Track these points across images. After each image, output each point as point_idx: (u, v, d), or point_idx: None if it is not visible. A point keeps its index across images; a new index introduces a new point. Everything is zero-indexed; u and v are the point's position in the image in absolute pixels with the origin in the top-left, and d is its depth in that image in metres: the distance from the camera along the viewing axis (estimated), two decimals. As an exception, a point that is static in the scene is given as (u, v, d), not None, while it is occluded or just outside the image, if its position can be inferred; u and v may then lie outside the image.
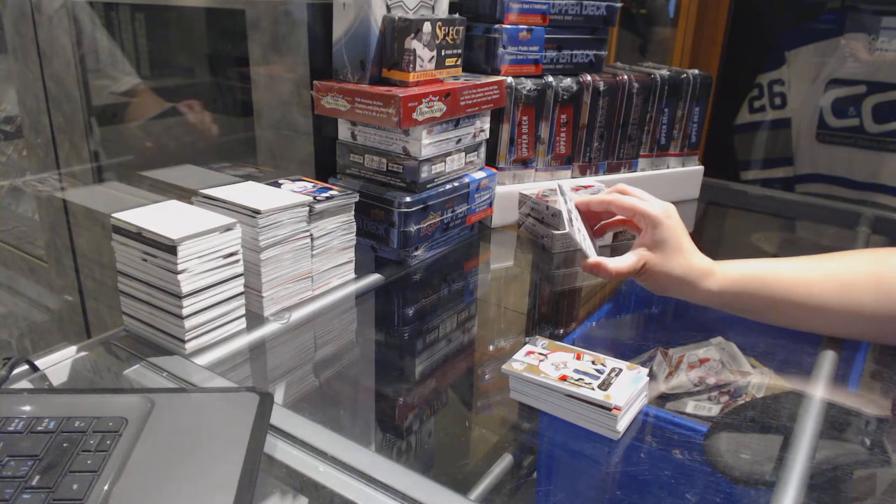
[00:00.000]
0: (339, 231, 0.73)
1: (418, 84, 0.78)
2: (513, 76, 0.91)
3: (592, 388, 0.53)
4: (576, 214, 0.68)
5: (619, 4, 0.99)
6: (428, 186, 0.81)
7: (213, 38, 1.12)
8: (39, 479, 0.41)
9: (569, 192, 0.70)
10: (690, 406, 0.58)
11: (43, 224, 1.34)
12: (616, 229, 0.71)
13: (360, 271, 0.78)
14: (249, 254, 0.65)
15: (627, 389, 0.53)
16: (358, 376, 0.66)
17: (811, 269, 0.62)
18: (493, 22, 0.90)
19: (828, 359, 0.62)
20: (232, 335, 0.64)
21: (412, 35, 0.75)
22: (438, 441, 0.57)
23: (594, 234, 0.70)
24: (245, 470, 0.42)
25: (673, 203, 0.65)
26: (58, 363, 0.60)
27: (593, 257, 0.63)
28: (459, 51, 0.83)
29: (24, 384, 0.57)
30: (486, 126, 0.88)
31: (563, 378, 0.54)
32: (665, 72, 1.03)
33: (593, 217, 0.70)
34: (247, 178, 0.79)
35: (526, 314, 0.80)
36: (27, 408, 0.47)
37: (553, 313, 0.80)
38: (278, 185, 0.73)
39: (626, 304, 0.83)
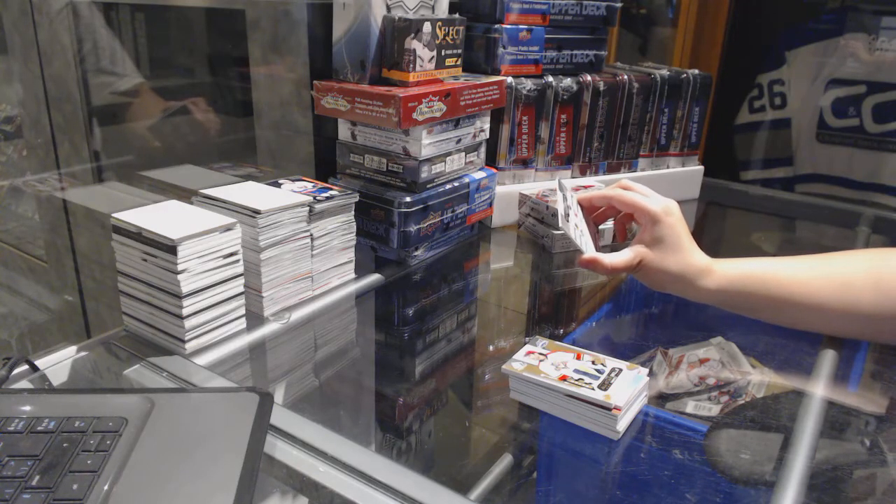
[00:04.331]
0: (339, 231, 0.73)
1: (418, 84, 0.78)
2: (513, 76, 0.91)
3: (592, 388, 0.53)
4: (576, 210, 0.68)
5: (619, 4, 0.99)
6: (428, 186, 0.81)
7: (213, 38, 1.12)
8: (39, 479, 0.41)
9: (570, 188, 0.70)
10: (690, 406, 0.58)
11: (43, 224, 1.34)
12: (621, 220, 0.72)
13: (360, 271, 0.78)
14: (249, 254, 0.65)
15: (627, 389, 0.53)
16: (358, 376, 0.66)
17: (810, 269, 0.62)
18: (493, 22, 0.90)
19: (828, 358, 0.62)
20: (232, 335, 0.64)
21: (412, 35, 0.75)
22: (438, 441, 0.57)
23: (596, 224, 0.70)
24: (245, 470, 0.42)
25: (673, 200, 0.65)
26: (58, 363, 0.60)
27: (589, 253, 0.63)
28: (459, 51, 0.83)
29: (24, 384, 0.57)
30: (486, 126, 0.88)
31: (563, 378, 0.54)
32: (665, 72, 1.03)
33: (596, 213, 0.70)
34: (247, 178, 0.79)
35: (526, 314, 0.80)
36: (27, 408, 0.47)
37: (553, 313, 0.80)
38: (278, 185, 0.73)
39: (626, 304, 0.83)
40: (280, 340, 0.66)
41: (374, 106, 0.75)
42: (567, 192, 0.68)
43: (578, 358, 0.57)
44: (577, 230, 0.65)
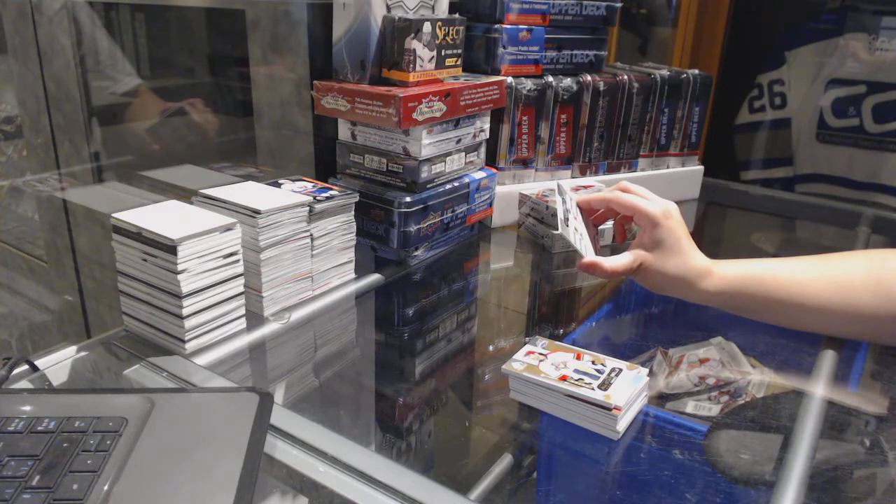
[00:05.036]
0: (339, 231, 0.73)
1: (418, 84, 0.78)
2: (513, 76, 0.91)
3: (592, 388, 0.53)
4: (575, 213, 0.68)
5: (619, 4, 0.99)
6: (428, 186, 0.81)
7: (213, 38, 1.12)
8: (39, 479, 0.41)
9: (569, 191, 0.70)
10: (690, 406, 0.58)
11: (43, 224, 1.34)
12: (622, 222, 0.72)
13: (360, 271, 0.78)
14: (249, 254, 0.65)
15: (627, 389, 0.53)
16: (358, 376, 0.66)
17: (809, 270, 0.62)
18: (493, 22, 0.90)
19: (828, 359, 0.62)
20: (232, 335, 0.64)
21: (412, 35, 0.75)
22: (438, 441, 0.57)
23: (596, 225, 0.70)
24: (245, 470, 0.42)
25: (673, 202, 0.65)
26: (58, 363, 0.60)
27: (589, 256, 0.63)
28: (459, 51, 0.83)
29: (24, 384, 0.57)
30: (486, 126, 0.88)
31: (563, 378, 0.54)
32: (665, 72, 1.03)
33: (595, 214, 0.70)
34: (247, 178, 0.79)
35: (526, 314, 0.80)
36: (27, 408, 0.47)
37: (553, 313, 0.80)
38: (278, 185, 0.73)
39: (626, 304, 0.83)
40: (280, 340, 0.66)
41: (374, 106, 0.75)
42: (566, 196, 0.68)
43: (578, 358, 0.57)
44: (576, 234, 0.64)
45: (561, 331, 0.73)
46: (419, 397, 0.61)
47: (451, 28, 0.80)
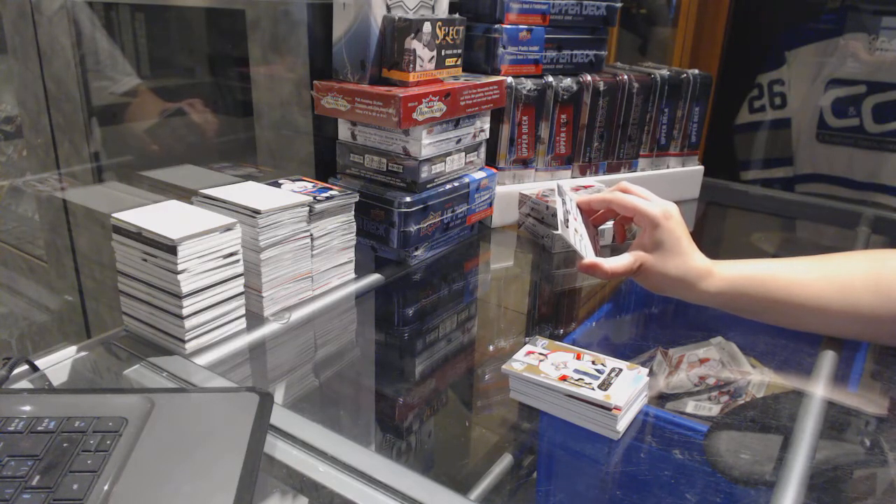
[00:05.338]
0: (339, 231, 0.73)
1: (418, 84, 0.78)
2: (513, 76, 0.91)
3: (592, 388, 0.53)
4: (575, 214, 0.68)
5: (619, 4, 0.99)
6: (428, 186, 0.81)
7: (213, 38, 1.12)
8: (39, 479, 0.41)
9: (569, 191, 0.70)
10: (690, 406, 0.58)
11: (43, 224, 1.34)
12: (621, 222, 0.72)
13: (360, 271, 0.78)
14: (249, 254, 0.65)
15: (627, 389, 0.53)
16: (358, 376, 0.66)
17: (810, 271, 0.62)
18: (493, 22, 0.90)
19: (828, 359, 0.62)
20: (232, 335, 0.64)
21: (412, 35, 0.75)
22: (438, 441, 0.57)
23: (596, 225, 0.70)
24: (245, 470, 0.42)
25: (673, 203, 0.65)
26: (58, 363, 0.60)
27: (589, 257, 0.63)
28: (459, 51, 0.83)
29: (24, 384, 0.57)
30: (486, 126, 0.88)
31: (563, 378, 0.54)
32: (665, 72, 1.03)
33: (595, 215, 0.70)
34: (247, 178, 0.79)
35: (526, 314, 0.80)
36: (27, 408, 0.47)
37: (553, 313, 0.80)
38: (278, 185, 0.73)
39: (626, 304, 0.83)
40: (280, 340, 0.66)
41: (374, 106, 0.75)
42: (566, 196, 0.68)
43: (578, 358, 0.57)
44: (576, 235, 0.64)
45: (561, 331, 0.73)
46: (419, 397, 0.61)
47: (451, 28, 0.80)
